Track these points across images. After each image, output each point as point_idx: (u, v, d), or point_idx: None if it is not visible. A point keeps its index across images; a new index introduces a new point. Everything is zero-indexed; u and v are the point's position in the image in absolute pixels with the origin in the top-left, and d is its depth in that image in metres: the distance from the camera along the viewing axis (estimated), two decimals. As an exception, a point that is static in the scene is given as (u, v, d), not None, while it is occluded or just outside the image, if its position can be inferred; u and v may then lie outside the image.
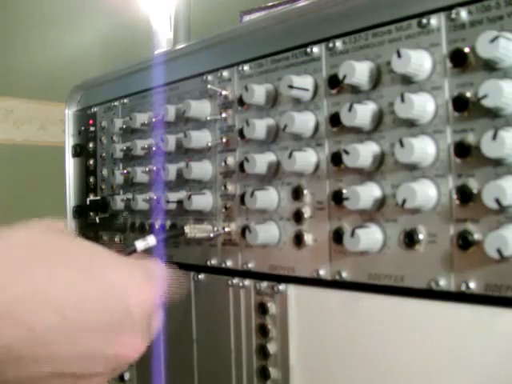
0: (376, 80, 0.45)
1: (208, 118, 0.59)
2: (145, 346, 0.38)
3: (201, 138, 0.59)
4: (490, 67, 0.38)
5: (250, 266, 0.55)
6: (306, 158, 0.49)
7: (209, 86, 0.59)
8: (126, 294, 0.37)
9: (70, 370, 0.35)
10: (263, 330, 0.54)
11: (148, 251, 0.56)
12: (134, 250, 0.50)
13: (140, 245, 0.50)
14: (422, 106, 0.41)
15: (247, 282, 0.56)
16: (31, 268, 0.34)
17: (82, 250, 0.38)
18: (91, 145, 0.78)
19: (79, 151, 0.80)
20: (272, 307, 0.53)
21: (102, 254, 0.39)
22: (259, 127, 0.52)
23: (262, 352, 0.54)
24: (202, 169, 0.59)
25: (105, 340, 0.36)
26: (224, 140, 0.58)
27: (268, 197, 0.52)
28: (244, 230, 0.54)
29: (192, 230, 0.57)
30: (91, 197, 0.77)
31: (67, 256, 0.37)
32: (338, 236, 0.47)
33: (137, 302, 0.37)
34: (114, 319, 0.36)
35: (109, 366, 0.37)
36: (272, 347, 0.53)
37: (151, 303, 0.38)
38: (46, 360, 0.34)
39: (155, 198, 0.64)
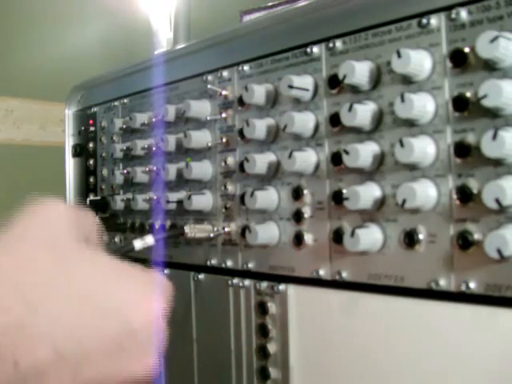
0: (376, 80, 0.45)
1: (208, 118, 0.59)
2: (154, 360, 0.36)
3: (201, 137, 0.59)
4: (490, 67, 0.38)
5: (250, 266, 0.55)
6: (306, 158, 0.49)
7: (209, 86, 0.59)
8: (127, 312, 0.34)
9: None
10: (263, 330, 0.54)
11: (148, 251, 0.56)
12: (132, 249, 0.50)
13: (138, 244, 0.50)
14: (422, 106, 0.41)
15: (247, 282, 0.56)
16: (14, 299, 0.30)
17: (78, 269, 0.34)
18: (91, 145, 0.78)
19: (79, 151, 0.80)
20: (272, 307, 0.53)
21: (99, 269, 0.35)
22: (259, 127, 0.52)
23: (262, 352, 0.54)
24: (202, 169, 0.59)
25: (111, 362, 0.33)
26: (224, 140, 0.58)
27: (268, 197, 0.52)
28: (244, 230, 0.54)
29: (192, 230, 0.57)
30: (91, 197, 0.77)
31: (57, 281, 0.33)
32: (338, 236, 0.47)
33: (140, 320, 0.34)
34: (118, 340, 0.33)
35: None
36: (272, 347, 0.53)
37: (155, 318, 0.35)
38: None
39: (155, 198, 0.64)
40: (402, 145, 0.41)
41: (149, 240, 0.51)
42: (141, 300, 0.35)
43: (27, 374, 0.30)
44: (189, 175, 0.59)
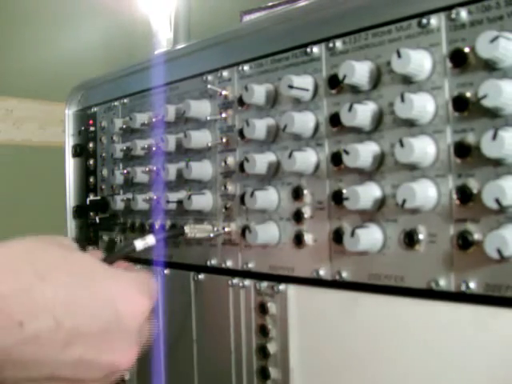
0: (376, 80, 0.45)
1: (208, 118, 0.59)
2: (136, 355, 0.39)
3: (201, 137, 0.59)
4: (490, 67, 0.38)
5: (250, 266, 0.55)
6: (306, 158, 0.49)
7: (209, 86, 0.59)
8: (118, 304, 0.38)
9: (63, 374, 0.36)
10: (263, 330, 0.54)
11: (148, 251, 0.56)
12: (133, 250, 0.50)
13: (139, 244, 0.50)
14: (422, 106, 0.41)
15: (247, 282, 0.56)
16: (25, 267, 0.35)
17: (80, 261, 0.39)
18: (91, 145, 0.78)
19: (79, 151, 0.80)
20: (272, 307, 0.53)
21: (99, 266, 0.40)
22: (259, 127, 0.52)
23: (262, 352, 0.54)
24: (202, 169, 0.59)
25: (98, 347, 0.37)
26: (224, 140, 0.58)
27: (268, 197, 0.52)
28: (244, 230, 0.54)
29: (192, 230, 0.57)
30: (91, 197, 0.77)
31: (64, 263, 0.37)
32: (337, 236, 0.47)
33: (129, 313, 0.38)
34: (107, 328, 0.37)
35: (102, 373, 0.38)
36: (272, 347, 0.53)
37: (142, 314, 0.39)
38: (37, 361, 0.34)
39: (155, 197, 0.64)
40: (401, 145, 0.41)
41: (150, 240, 0.51)
42: (132, 298, 0.39)
43: (28, 337, 0.33)
44: (189, 175, 0.59)
